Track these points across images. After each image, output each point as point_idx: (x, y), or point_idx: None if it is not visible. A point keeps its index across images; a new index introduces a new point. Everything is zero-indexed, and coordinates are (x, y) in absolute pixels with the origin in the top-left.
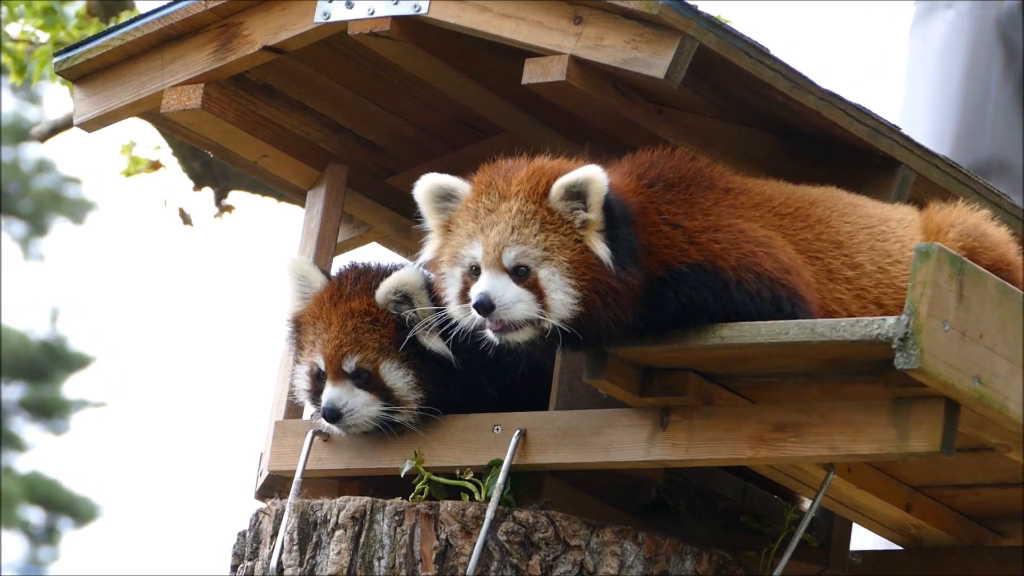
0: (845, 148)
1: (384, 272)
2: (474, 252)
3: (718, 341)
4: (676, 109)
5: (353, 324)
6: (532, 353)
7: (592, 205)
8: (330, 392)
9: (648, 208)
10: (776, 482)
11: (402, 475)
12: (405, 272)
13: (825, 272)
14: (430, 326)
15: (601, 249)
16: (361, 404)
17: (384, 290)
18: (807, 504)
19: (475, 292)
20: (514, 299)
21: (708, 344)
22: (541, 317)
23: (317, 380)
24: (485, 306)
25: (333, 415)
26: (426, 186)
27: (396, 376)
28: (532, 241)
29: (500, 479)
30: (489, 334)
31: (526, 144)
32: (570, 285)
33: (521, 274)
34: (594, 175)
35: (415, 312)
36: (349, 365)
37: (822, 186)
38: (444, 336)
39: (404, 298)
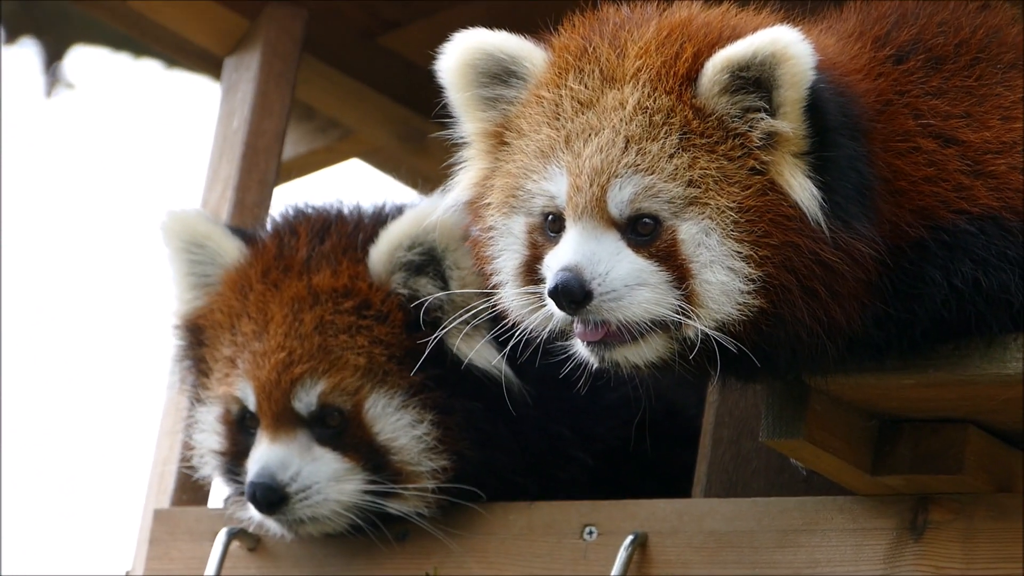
0: None
1: (375, 219)
2: (552, 187)
3: None
4: None
5: (315, 318)
6: (662, 388)
7: (785, 103)
8: (267, 453)
9: (896, 105)
10: None
11: None
12: (423, 211)
13: None
14: (471, 322)
15: (802, 189)
16: (326, 476)
17: (389, 245)
18: None
19: (555, 265)
20: (630, 280)
21: (1008, 372)
22: (683, 317)
23: (239, 431)
24: (573, 292)
25: (271, 495)
26: (463, 53)
27: (397, 423)
28: (666, 167)
29: None
30: (580, 347)
31: None
32: (740, 256)
33: (644, 232)
34: (786, 47)
35: (445, 296)
36: (306, 400)
37: None
38: (499, 346)
39: (426, 261)
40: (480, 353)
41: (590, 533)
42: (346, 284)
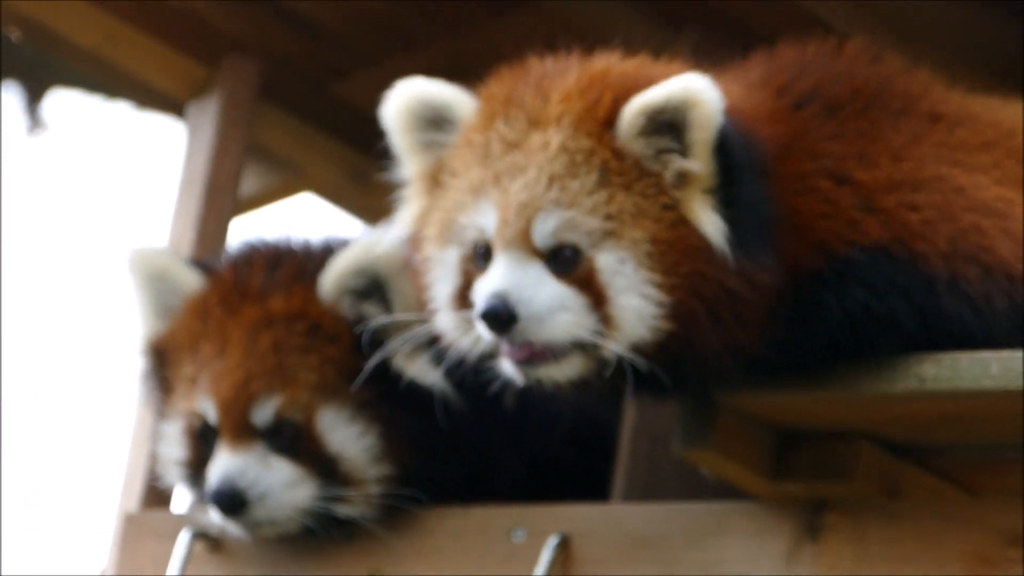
0: None
1: (323, 250)
2: (482, 220)
3: (914, 385)
4: None
5: (271, 339)
6: (582, 403)
7: (696, 144)
8: (227, 462)
9: (796, 148)
10: None
11: None
12: (370, 243)
13: None
14: (412, 343)
15: (710, 223)
16: (281, 483)
17: (338, 273)
18: None
19: (484, 292)
20: (552, 304)
21: (896, 391)
22: (598, 340)
23: (201, 442)
24: (500, 316)
25: (231, 501)
26: (404, 101)
27: (346, 435)
28: (586, 202)
29: None
30: (507, 366)
31: (577, 27)
32: (652, 283)
33: (565, 261)
34: (696, 94)
35: (388, 320)
36: (262, 414)
37: None
38: (437, 365)
39: (371, 287)
40: (420, 371)
41: (519, 535)
42: (299, 308)
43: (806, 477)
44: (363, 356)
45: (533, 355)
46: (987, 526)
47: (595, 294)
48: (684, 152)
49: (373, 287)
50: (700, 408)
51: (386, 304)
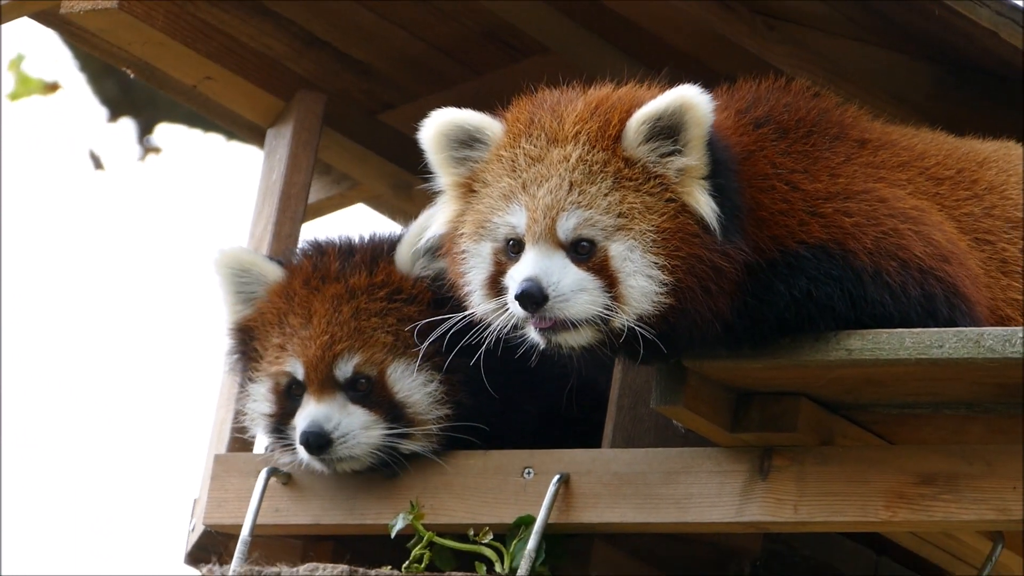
0: None
1: (387, 237)
2: (513, 219)
3: (844, 355)
4: (795, 24)
5: (352, 308)
6: (588, 363)
7: (692, 141)
8: (315, 410)
9: (757, 155)
10: (921, 556)
11: (392, 535)
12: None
13: (997, 261)
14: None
15: (706, 204)
16: (358, 425)
17: (411, 237)
18: None
19: (519, 276)
20: (574, 287)
21: (831, 359)
22: (609, 313)
23: (286, 398)
24: (534, 297)
25: (319, 440)
26: (439, 126)
27: (411, 384)
28: (601, 203)
29: (531, 544)
30: (532, 333)
31: (578, 69)
32: (656, 265)
33: (583, 251)
34: (690, 99)
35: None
36: (344, 370)
37: (995, 140)
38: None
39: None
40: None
41: (528, 473)
42: (381, 279)
43: (758, 428)
44: (437, 314)
45: (555, 325)
46: (903, 469)
47: (608, 277)
48: (683, 150)
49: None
50: (673, 372)
51: None
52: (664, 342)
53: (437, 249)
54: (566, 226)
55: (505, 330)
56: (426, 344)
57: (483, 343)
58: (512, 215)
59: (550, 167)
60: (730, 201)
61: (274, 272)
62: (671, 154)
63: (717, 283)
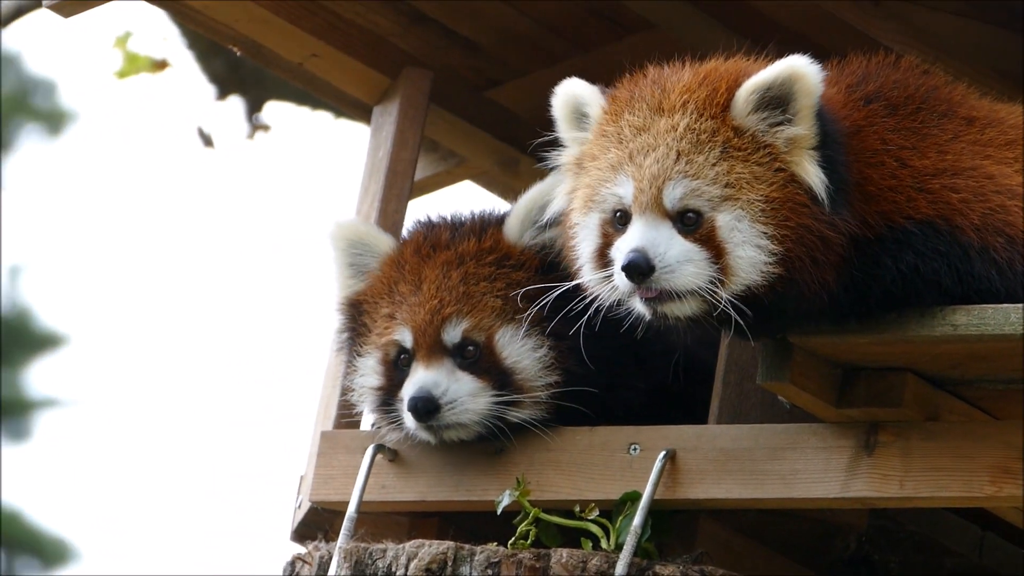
0: None
1: (493, 212)
2: (620, 190)
3: (950, 330)
4: (900, 0)
5: (461, 274)
6: (695, 337)
7: (802, 111)
8: (424, 376)
9: (867, 131)
10: None
11: (499, 511)
12: (549, 183)
13: None
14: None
15: (815, 174)
16: (466, 392)
17: (522, 209)
18: None
19: (625, 248)
20: (681, 258)
21: (936, 334)
22: (715, 286)
23: (395, 369)
24: (641, 268)
25: (427, 406)
26: (561, 97)
27: (521, 349)
28: (708, 173)
29: (637, 520)
30: (638, 304)
31: (684, 46)
32: (764, 235)
33: (690, 223)
34: (800, 68)
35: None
36: (452, 334)
37: None
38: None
39: (552, 220)
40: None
41: (634, 449)
42: (489, 245)
43: (863, 404)
44: (545, 280)
45: (660, 295)
46: (1009, 444)
47: (715, 248)
48: (793, 119)
49: (554, 220)
50: (779, 348)
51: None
52: (771, 313)
53: (548, 222)
54: (673, 196)
55: (611, 302)
56: (533, 308)
57: (589, 313)
58: (619, 186)
59: (657, 136)
60: (838, 174)
61: (387, 243)
62: (780, 124)
63: (824, 254)
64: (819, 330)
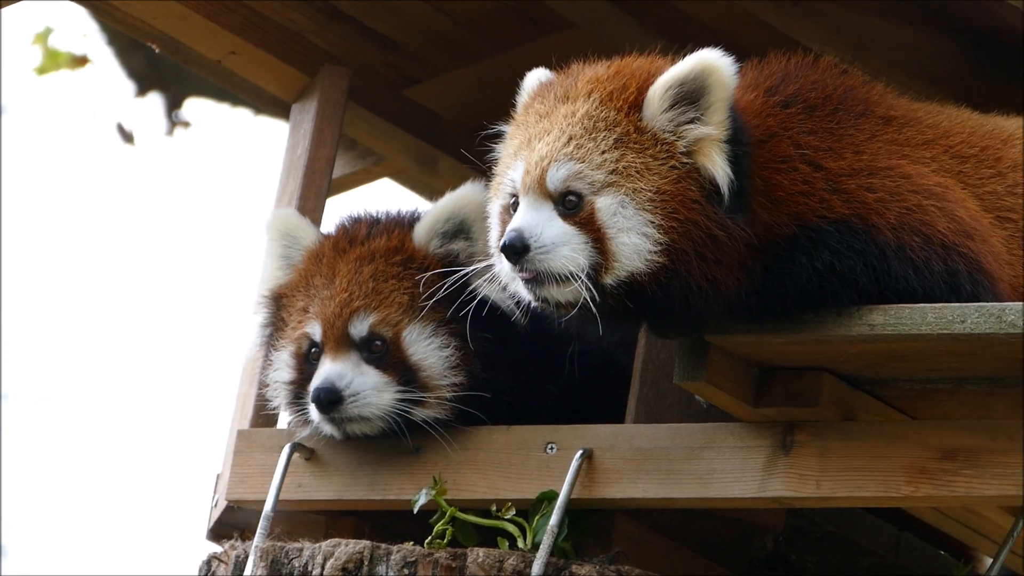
0: None
1: (412, 212)
2: (515, 174)
3: (866, 330)
4: (820, 0)
5: (372, 270)
6: (606, 342)
7: (715, 104)
8: (328, 367)
9: (781, 137)
10: (943, 531)
11: (415, 510)
12: (468, 191)
13: (1020, 239)
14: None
15: (722, 168)
16: (371, 385)
17: (430, 219)
18: (987, 564)
19: (508, 229)
20: (557, 240)
21: (853, 334)
22: (596, 271)
23: (306, 362)
24: (515, 247)
25: (330, 397)
26: (524, 86)
27: (427, 348)
28: (596, 159)
29: (554, 519)
30: (520, 288)
31: (604, 45)
32: (651, 224)
33: (571, 205)
34: (713, 61)
35: (470, 249)
36: (359, 328)
37: (1019, 117)
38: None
39: (457, 230)
40: (497, 292)
41: (551, 448)
42: (396, 245)
43: (780, 403)
44: (449, 283)
45: (538, 276)
46: (925, 444)
47: (595, 232)
48: (703, 117)
49: (459, 230)
50: (696, 347)
51: (470, 241)
52: (658, 306)
53: (454, 234)
54: (555, 177)
55: (498, 286)
56: (434, 296)
57: (478, 300)
58: (515, 170)
59: (554, 122)
60: (740, 177)
61: (312, 236)
62: (692, 121)
63: (713, 252)
64: (736, 329)
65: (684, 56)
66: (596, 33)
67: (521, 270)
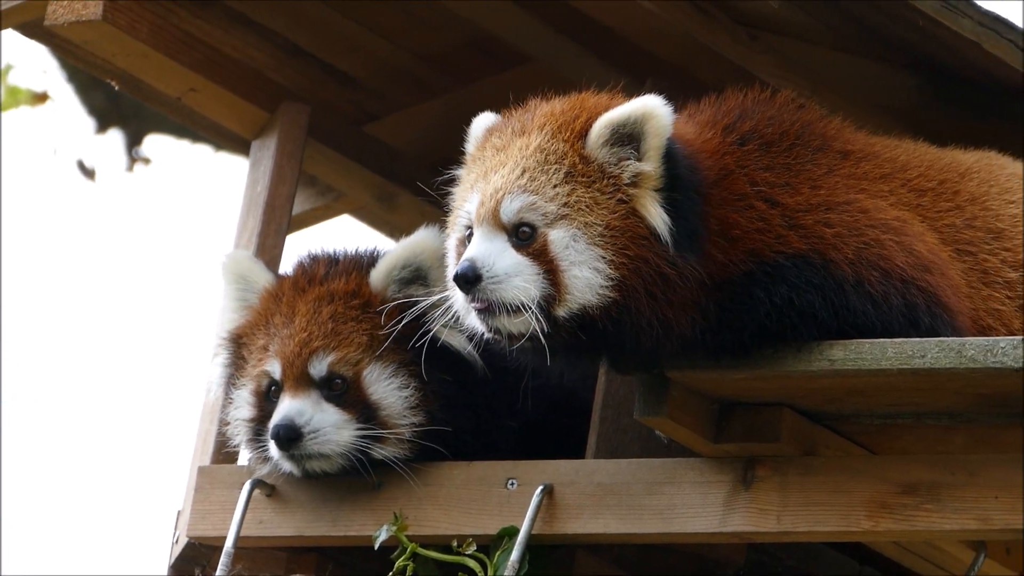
0: (1012, 95)
1: (372, 252)
2: (470, 207)
3: (826, 365)
4: (777, 35)
5: (331, 311)
6: (566, 379)
7: (649, 151)
8: (287, 404)
9: (737, 175)
10: (903, 566)
11: (376, 546)
12: (423, 237)
13: (979, 272)
14: (449, 318)
15: (656, 214)
16: (330, 423)
17: (387, 265)
18: None
19: (461, 260)
20: (509, 270)
21: (812, 369)
22: (548, 303)
23: (266, 399)
24: (467, 277)
25: (290, 434)
26: (473, 129)
27: (387, 387)
28: (549, 192)
29: (515, 555)
30: (473, 319)
31: (562, 79)
32: (600, 258)
33: (524, 236)
34: (652, 109)
35: (427, 295)
36: (319, 368)
37: (977, 150)
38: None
39: (414, 275)
40: (456, 338)
41: (512, 484)
42: (354, 289)
43: (740, 439)
44: (407, 327)
45: (490, 307)
46: (885, 479)
47: (548, 264)
48: (640, 157)
49: (415, 276)
50: (656, 383)
51: (427, 286)
52: (609, 341)
53: (411, 280)
54: (510, 209)
55: (452, 317)
56: (395, 331)
57: (461, 356)
58: (470, 203)
59: (509, 155)
60: (686, 220)
61: (267, 279)
62: (628, 159)
63: (663, 290)
64: (696, 365)
65: (642, 94)
66: (555, 68)
67: (474, 300)
